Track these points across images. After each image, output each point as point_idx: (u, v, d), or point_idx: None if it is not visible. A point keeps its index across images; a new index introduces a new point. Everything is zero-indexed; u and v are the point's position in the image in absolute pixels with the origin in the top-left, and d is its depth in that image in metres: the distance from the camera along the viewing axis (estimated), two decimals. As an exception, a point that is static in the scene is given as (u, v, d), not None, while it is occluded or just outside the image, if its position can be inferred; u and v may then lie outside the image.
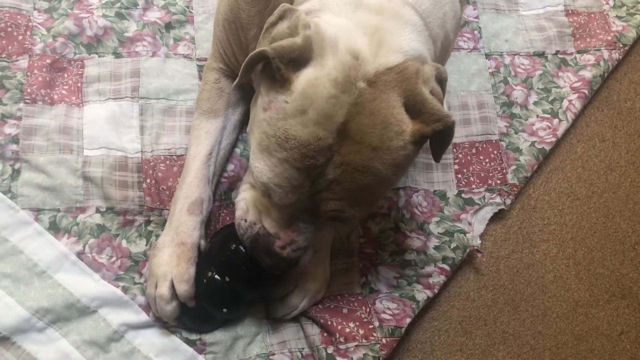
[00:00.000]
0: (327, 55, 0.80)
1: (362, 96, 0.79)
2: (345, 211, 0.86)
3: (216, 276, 1.00)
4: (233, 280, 1.00)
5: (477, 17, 1.41)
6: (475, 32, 1.40)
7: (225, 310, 1.03)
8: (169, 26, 1.28)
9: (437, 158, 0.90)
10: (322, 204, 0.85)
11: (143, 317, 1.05)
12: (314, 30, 0.80)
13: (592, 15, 1.46)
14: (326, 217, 0.88)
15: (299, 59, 0.80)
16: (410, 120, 0.82)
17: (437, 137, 0.84)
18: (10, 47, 1.20)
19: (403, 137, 0.82)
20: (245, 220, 0.94)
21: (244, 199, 0.96)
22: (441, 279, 1.17)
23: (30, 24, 1.23)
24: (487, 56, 1.38)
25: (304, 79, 0.80)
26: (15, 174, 1.11)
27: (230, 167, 1.16)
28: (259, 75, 0.85)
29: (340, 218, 0.87)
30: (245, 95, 1.14)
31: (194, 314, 1.03)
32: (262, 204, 0.92)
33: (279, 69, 0.79)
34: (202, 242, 1.04)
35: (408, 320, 1.11)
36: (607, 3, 1.48)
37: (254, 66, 0.84)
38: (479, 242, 1.22)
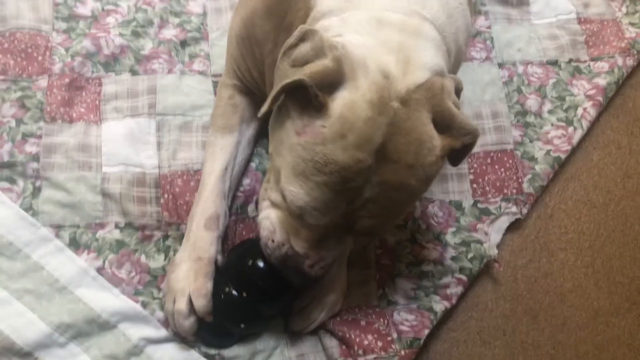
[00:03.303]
0: (359, 77, 0.80)
1: (397, 116, 0.80)
2: (378, 227, 0.86)
3: (234, 292, 1.00)
4: (250, 296, 1.00)
5: (489, 27, 1.42)
6: (488, 42, 1.40)
7: (242, 325, 1.03)
8: (184, 43, 1.30)
9: (456, 164, 0.92)
10: (357, 222, 0.86)
11: (162, 331, 1.06)
12: (341, 52, 0.80)
13: (605, 22, 1.45)
14: (359, 234, 0.88)
15: (333, 82, 0.80)
16: (439, 135, 0.84)
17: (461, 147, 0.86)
18: (30, 68, 1.22)
19: (435, 152, 0.84)
20: (273, 241, 0.93)
21: (268, 218, 0.94)
22: (459, 289, 1.16)
23: (49, 44, 1.25)
24: (500, 66, 1.38)
25: (340, 102, 0.80)
26: (36, 191, 1.12)
27: (246, 181, 1.17)
28: (285, 99, 0.85)
29: (373, 234, 0.88)
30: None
31: (212, 329, 1.03)
32: (290, 224, 0.91)
33: (316, 96, 0.79)
34: (219, 257, 1.05)
35: (426, 331, 1.11)
36: (620, 10, 1.47)
37: (284, 93, 0.83)
38: (496, 252, 1.21)
